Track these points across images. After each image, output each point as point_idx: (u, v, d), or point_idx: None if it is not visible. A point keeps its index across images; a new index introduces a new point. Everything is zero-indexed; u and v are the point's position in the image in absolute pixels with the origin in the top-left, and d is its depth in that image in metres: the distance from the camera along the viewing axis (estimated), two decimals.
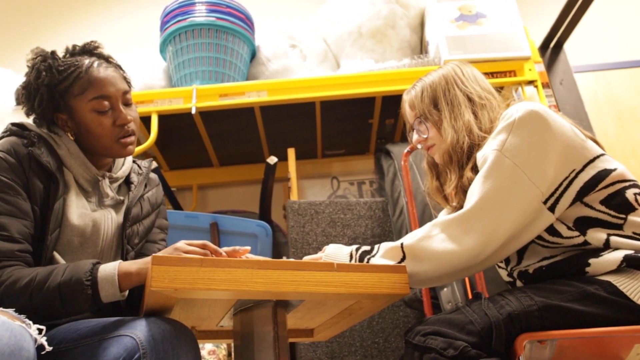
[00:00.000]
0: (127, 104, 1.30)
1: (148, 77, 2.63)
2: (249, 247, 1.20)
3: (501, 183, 1.11)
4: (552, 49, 2.87)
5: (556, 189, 1.12)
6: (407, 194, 1.99)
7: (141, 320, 0.99)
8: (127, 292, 1.09)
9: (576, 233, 1.12)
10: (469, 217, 1.12)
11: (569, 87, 2.78)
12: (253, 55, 2.70)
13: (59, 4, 3.67)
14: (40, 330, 0.91)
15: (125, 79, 1.33)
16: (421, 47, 2.77)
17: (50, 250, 1.16)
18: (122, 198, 1.33)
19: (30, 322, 0.90)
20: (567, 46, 2.89)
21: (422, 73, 2.45)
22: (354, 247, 1.25)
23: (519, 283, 1.25)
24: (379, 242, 2.41)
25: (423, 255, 1.13)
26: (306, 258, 1.29)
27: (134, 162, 1.44)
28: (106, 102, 1.25)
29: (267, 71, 2.64)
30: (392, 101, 2.58)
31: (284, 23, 2.87)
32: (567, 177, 1.12)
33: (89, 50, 1.32)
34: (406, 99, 1.45)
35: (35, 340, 0.89)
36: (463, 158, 1.27)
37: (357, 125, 2.79)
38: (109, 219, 1.28)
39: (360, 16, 2.67)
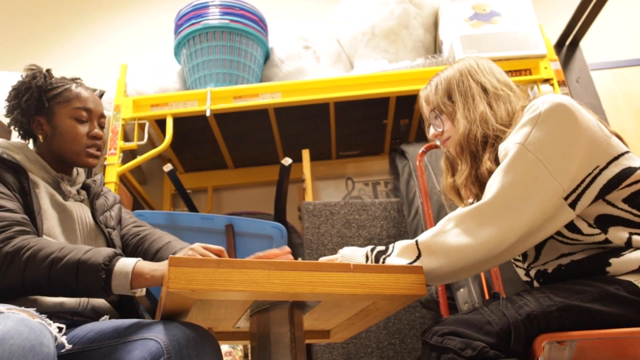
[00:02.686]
0: (101, 126, 1.45)
1: (163, 80, 2.65)
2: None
3: (521, 177, 1.09)
4: (568, 46, 2.84)
5: (578, 186, 1.09)
6: (423, 194, 1.98)
7: (165, 324, 1.00)
8: (142, 291, 1.10)
9: (597, 231, 1.10)
10: (485, 210, 1.10)
11: (586, 85, 2.75)
12: (267, 57, 2.71)
13: (72, 7, 3.71)
14: (60, 329, 0.92)
15: (102, 109, 1.48)
16: (435, 47, 2.76)
17: (41, 233, 1.21)
18: (83, 198, 1.42)
19: (50, 322, 0.91)
20: (583, 43, 2.86)
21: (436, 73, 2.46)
22: (369, 248, 1.24)
23: (536, 284, 1.24)
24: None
25: (438, 251, 1.12)
26: (322, 259, 1.29)
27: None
28: (85, 114, 1.40)
29: (281, 73, 2.64)
30: (407, 101, 2.57)
31: (297, 24, 2.87)
32: (590, 174, 1.10)
33: (77, 81, 1.48)
34: (422, 95, 1.44)
35: (55, 339, 0.90)
36: (477, 148, 1.25)
37: (372, 126, 2.78)
38: (80, 208, 1.37)
39: (373, 16, 2.66)
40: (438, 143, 1.42)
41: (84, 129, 1.39)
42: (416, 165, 2.04)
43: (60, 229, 1.29)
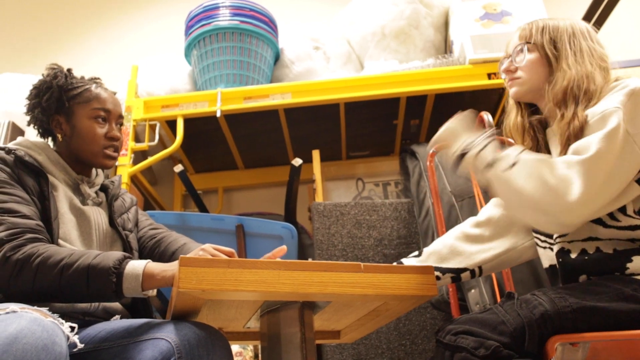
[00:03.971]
0: (119, 125, 1.46)
1: (173, 81, 2.66)
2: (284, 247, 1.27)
3: (615, 145, 1.06)
4: None
5: None
6: (433, 194, 1.97)
7: (176, 324, 1.01)
8: (153, 291, 1.10)
9: (638, 217, 1.10)
10: (588, 166, 1.05)
11: None
12: (277, 57, 2.72)
13: (84, 10, 3.74)
14: (72, 328, 0.93)
15: (121, 110, 1.50)
16: (445, 47, 2.75)
17: (56, 237, 1.21)
18: (101, 200, 1.43)
19: (63, 321, 0.92)
20: None
21: (447, 73, 2.45)
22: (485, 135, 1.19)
23: (551, 255, 1.22)
24: (405, 244, 2.38)
25: (532, 170, 1.07)
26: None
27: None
28: (104, 114, 1.41)
29: (291, 73, 2.64)
30: (417, 101, 2.56)
31: (307, 25, 2.87)
32: None
33: (97, 81, 1.49)
34: (519, 30, 1.38)
35: (68, 338, 0.90)
36: (578, 100, 1.22)
37: (382, 126, 2.78)
38: (97, 213, 1.37)
39: (383, 17, 2.66)
40: (504, 77, 1.37)
41: (102, 129, 1.39)
42: (427, 166, 2.03)
43: (77, 233, 1.29)
